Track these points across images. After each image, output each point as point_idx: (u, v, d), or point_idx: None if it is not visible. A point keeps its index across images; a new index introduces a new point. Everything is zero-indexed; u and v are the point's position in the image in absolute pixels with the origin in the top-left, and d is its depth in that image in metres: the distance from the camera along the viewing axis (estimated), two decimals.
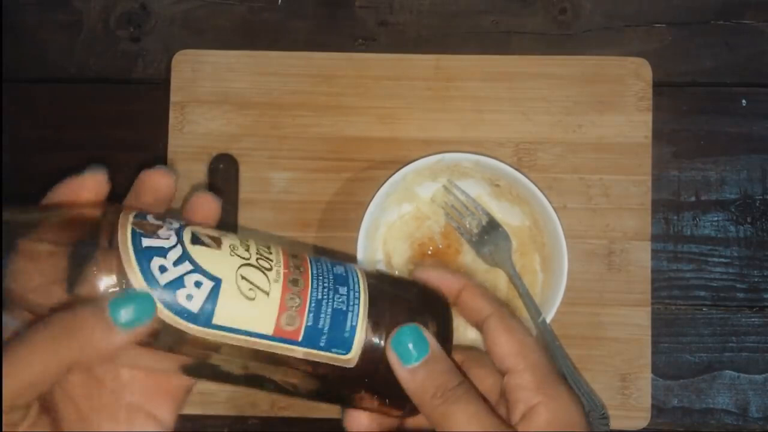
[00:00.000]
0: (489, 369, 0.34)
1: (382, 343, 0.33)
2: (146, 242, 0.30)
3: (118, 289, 0.28)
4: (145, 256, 0.29)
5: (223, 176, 0.53)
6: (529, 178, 0.47)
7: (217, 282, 0.30)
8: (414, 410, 0.33)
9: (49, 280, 0.29)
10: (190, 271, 0.30)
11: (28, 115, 0.55)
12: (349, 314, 0.33)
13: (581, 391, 0.48)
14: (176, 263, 0.29)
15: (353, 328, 0.32)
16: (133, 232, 0.30)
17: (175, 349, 0.30)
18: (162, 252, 0.30)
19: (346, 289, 0.33)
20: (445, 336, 0.34)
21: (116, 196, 0.56)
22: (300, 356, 0.32)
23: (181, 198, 0.52)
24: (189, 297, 0.29)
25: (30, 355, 0.27)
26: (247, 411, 0.52)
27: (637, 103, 0.53)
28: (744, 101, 0.54)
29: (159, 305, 0.29)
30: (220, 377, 0.33)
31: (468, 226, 0.50)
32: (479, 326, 0.34)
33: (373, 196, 0.47)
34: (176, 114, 0.53)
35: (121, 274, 0.29)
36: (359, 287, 0.34)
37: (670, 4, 0.55)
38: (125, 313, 0.28)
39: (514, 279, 0.49)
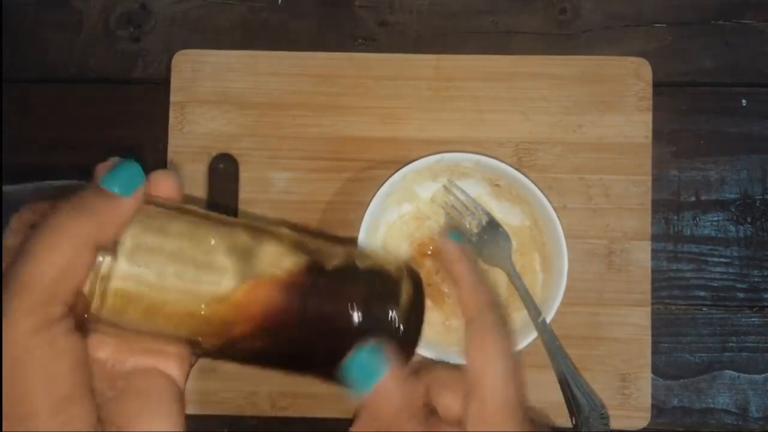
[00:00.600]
0: (456, 393, 0.32)
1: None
2: None
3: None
4: None
5: (223, 176, 0.53)
6: (529, 178, 0.47)
7: None
8: None
9: None
10: None
11: (28, 115, 0.55)
12: None
13: (581, 391, 0.48)
14: None
15: None
16: None
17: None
18: None
19: None
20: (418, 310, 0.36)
21: None
22: None
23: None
24: None
25: (55, 238, 0.27)
26: (247, 411, 0.52)
27: (637, 103, 0.53)
28: (744, 101, 0.54)
29: None
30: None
31: (468, 226, 0.50)
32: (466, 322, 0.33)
33: (373, 196, 0.47)
34: (176, 114, 0.53)
35: None
36: None
37: (670, 4, 0.55)
38: (119, 180, 0.30)
39: (514, 279, 0.49)
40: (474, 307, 0.33)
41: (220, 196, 0.53)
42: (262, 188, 0.53)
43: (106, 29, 0.56)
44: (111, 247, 0.30)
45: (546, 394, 0.51)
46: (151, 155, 0.54)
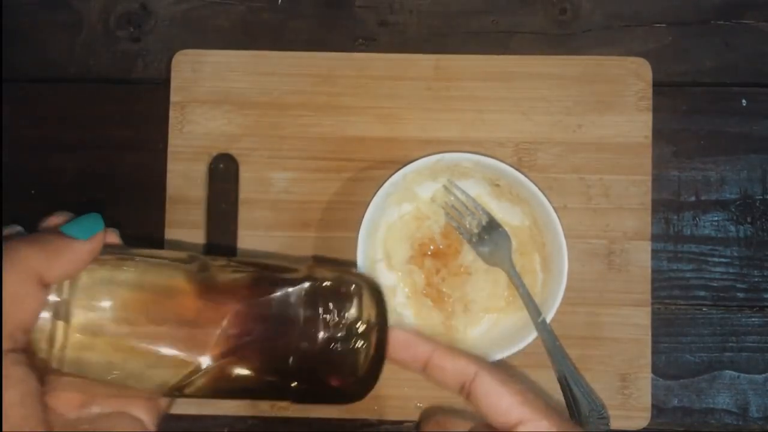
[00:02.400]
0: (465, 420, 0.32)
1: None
2: None
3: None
4: None
5: (223, 176, 0.53)
6: (529, 178, 0.47)
7: None
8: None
9: None
10: None
11: (28, 115, 0.55)
12: None
13: (581, 391, 0.48)
14: None
15: None
16: None
17: None
18: None
19: None
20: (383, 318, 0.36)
21: (115, 195, 0.56)
22: None
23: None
24: None
25: (4, 272, 0.28)
26: (247, 411, 0.52)
27: (637, 103, 0.53)
28: (744, 101, 0.54)
29: None
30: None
31: (468, 226, 0.50)
32: (465, 388, 0.32)
33: (373, 196, 0.47)
34: (176, 114, 0.53)
35: None
36: None
37: (670, 4, 0.55)
38: (79, 225, 0.31)
39: (514, 279, 0.49)
40: (468, 365, 0.32)
41: (220, 196, 0.53)
42: (262, 188, 0.53)
43: (106, 29, 0.56)
44: (59, 288, 0.30)
45: (546, 394, 0.51)
46: (151, 155, 0.54)
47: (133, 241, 0.54)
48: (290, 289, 0.36)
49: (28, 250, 0.29)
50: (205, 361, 0.33)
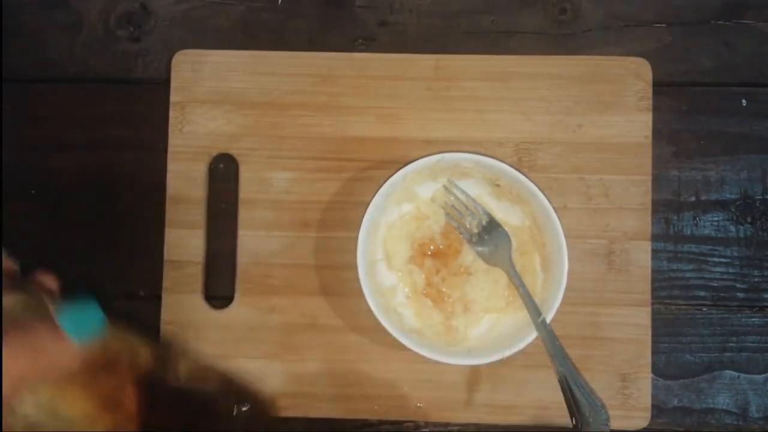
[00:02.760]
0: None
1: None
2: None
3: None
4: None
5: (223, 176, 0.53)
6: (529, 178, 0.47)
7: None
8: None
9: None
10: None
11: (28, 115, 0.55)
12: None
13: (581, 392, 0.48)
14: None
15: None
16: None
17: None
18: None
19: None
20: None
21: (115, 195, 0.56)
22: None
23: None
24: None
25: None
26: None
27: (637, 103, 0.53)
28: (744, 101, 0.54)
29: None
30: None
31: (468, 226, 0.50)
32: None
33: (373, 196, 0.47)
34: (176, 114, 0.53)
35: None
36: None
37: (670, 4, 0.55)
38: (78, 325, 0.28)
39: (514, 279, 0.49)
40: None
41: (220, 196, 0.54)
42: (262, 188, 0.53)
43: (106, 29, 0.56)
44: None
45: (546, 394, 0.51)
46: (151, 155, 0.54)
47: (133, 241, 0.54)
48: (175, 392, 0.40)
49: (19, 357, 0.27)
50: None
